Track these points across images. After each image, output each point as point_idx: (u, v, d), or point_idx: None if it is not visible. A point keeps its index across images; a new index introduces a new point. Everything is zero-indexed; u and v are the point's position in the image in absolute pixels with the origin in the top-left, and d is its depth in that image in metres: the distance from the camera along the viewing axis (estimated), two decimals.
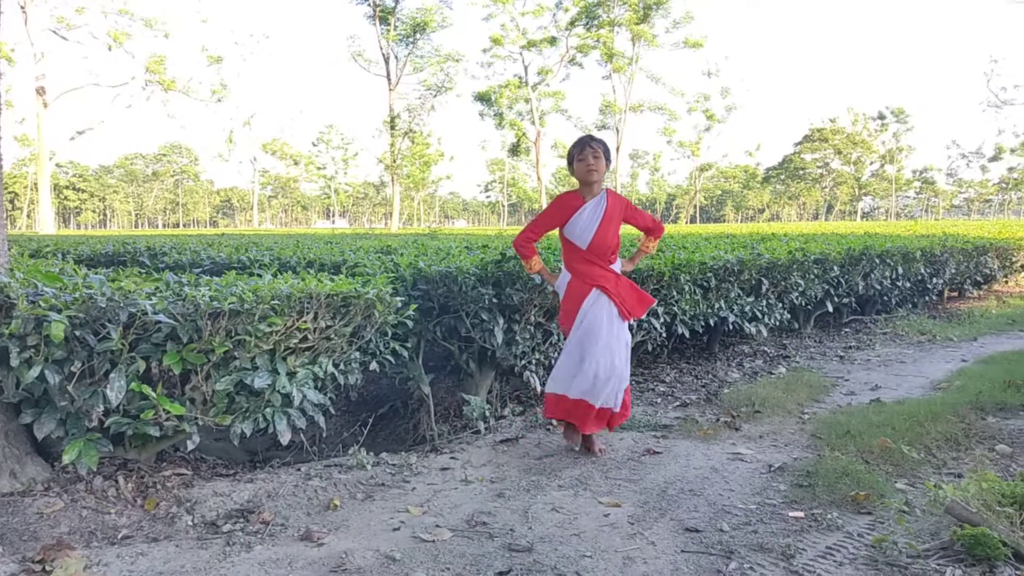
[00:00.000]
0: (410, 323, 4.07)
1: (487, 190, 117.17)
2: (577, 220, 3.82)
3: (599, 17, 49.47)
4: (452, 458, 3.88)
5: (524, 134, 52.19)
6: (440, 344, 4.54)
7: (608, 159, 3.85)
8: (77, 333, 2.73)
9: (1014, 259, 12.32)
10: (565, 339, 3.96)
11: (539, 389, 4.77)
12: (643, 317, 5.35)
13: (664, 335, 5.70)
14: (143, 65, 42.65)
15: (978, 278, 11.35)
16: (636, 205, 4.08)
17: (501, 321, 4.42)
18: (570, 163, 3.91)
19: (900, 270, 8.99)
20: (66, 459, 2.78)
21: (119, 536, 2.80)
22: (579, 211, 3.82)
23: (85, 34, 39.77)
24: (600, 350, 3.77)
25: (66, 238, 12.78)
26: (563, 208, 3.87)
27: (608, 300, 3.81)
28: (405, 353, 4.11)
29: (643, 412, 4.82)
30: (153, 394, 2.87)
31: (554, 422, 4.50)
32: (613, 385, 3.82)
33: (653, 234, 4.19)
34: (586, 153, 3.79)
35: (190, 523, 2.95)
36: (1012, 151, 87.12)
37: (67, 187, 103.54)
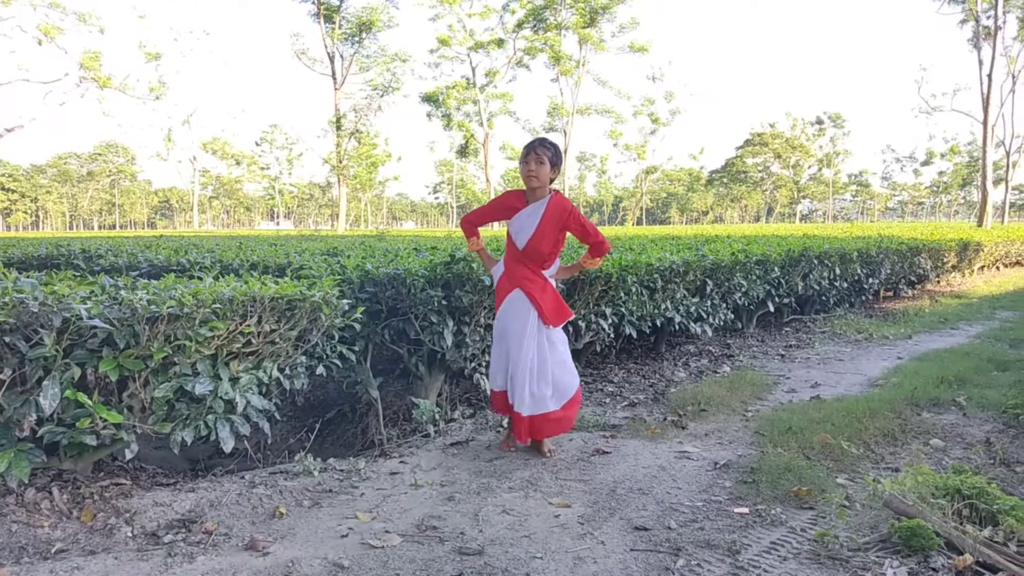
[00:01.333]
0: (357, 326, 4.02)
1: (435, 191, 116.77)
2: (516, 220, 3.86)
3: (546, 20, 49.74)
4: (401, 462, 3.85)
5: (472, 135, 52.13)
6: (389, 347, 4.50)
7: (556, 163, 3.83)
8: (7, 339, 2.62)
9: (945, 259, 12.81)
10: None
11: (489, 391, 4.77)
12: (592, 319, 5.41)
13: (612, 336, 5.75)
14: (77, 61, 41.20)
15: (912, 278, 11.77)
16: (584, 213, 4.03)
17: (450, 323, 4.40)
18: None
19: (838, 271, 9.27)
20: None
21: (53, 550, 2.69)
22: (519, 212, 3.86)
23: (12, 27, 38.22)
24: (515, 349, 3.85)
25: None
26: (505, 207, 3.93)
27: (529, 303, 3.85)
28: (353, 357, 4.06)
29: (592, 412, 4.85)
30: (89, 402, 2.77)
31: (504, 423, 4.51)
32: (532, 389, 3.87)
33: (594, 252, 4.03)
34: (529, 159, 3.77)
35: (129, 534, 2.86)
36: (942, 156, 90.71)
37: None
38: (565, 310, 3.99)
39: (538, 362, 3.88)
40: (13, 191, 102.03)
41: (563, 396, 3.95)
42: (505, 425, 4.32)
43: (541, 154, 3.77)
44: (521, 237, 3.83)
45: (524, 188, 3.92)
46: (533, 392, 3.87)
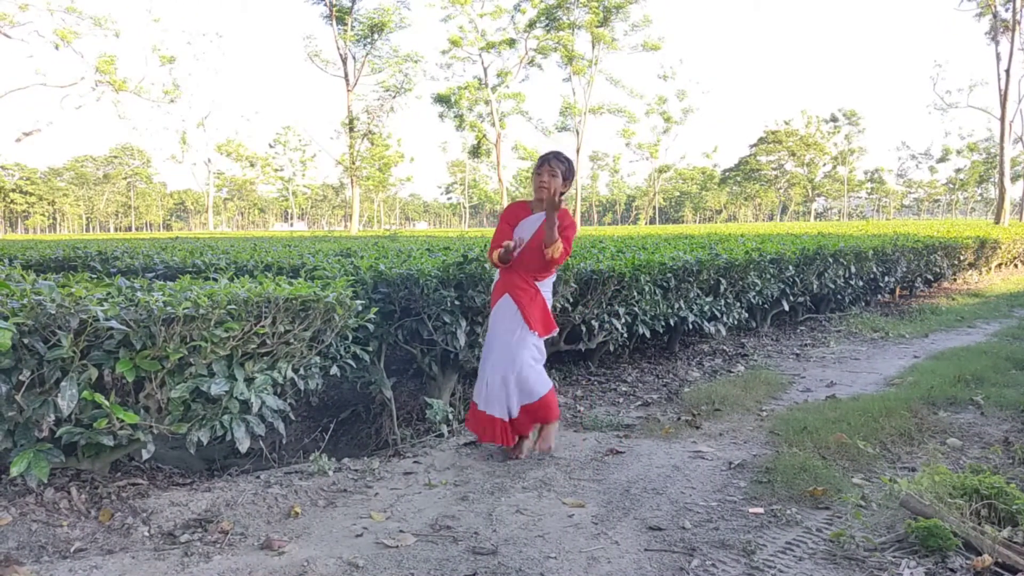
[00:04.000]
0: (371, 326, 4.03)
1: (448, 192, 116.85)
2: (519, 228, 3.87)
3: (558, 19, 49.63)
4: (415, 462, 3.86)
5: (484, 136, 52.08)
6: (402, 347, 4.51)
7: (569, 177, 3.85)
8: (26, 341, 2.65)
9: (962, 257, 12.69)
10: None
11: None
12: (605, 318, 5.40)
13: (625, 335, 5.74)
14: (93, 65, 41.51)
15: (928, 276, 11.66)
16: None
17: (463, 323, 4.41)
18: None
19: (853, 269, 9.20)
20: (14, 471, 2.69)
21: (72, 549, 2.72)
22: (523, 220, 3.88)
23: (30, 32, 38.44)
24: (496, 355, 3.81)
25: (13, 243, 12.41)
26: (511, 217, 3.93)
27: (516, 309, 3.82)
28: (366, 357, 4.07)
29: (606, 412, 4.84)
30: (106, 402, 2.79)
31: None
32: (511, 394, 3.79)
33: (553, 259, 3.80)
34: (543, 170, 3.82)
35: (146, 534, 2.88)
36: (958, 152, 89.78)
37: (13, 190, 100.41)
38: (551, 322, 3.97)
39: (519, 368, 3.80)
40: (31, 194, 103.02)
41: (528, 397, 3.83)
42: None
43: (555, 167, 3.81)
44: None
45: (530, 200, 3.98)
46: (512, 396, 3.81)
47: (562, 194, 3.78)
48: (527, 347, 3.87)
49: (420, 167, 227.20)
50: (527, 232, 3.84)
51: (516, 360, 3.82)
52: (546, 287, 3.97)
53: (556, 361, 6.05)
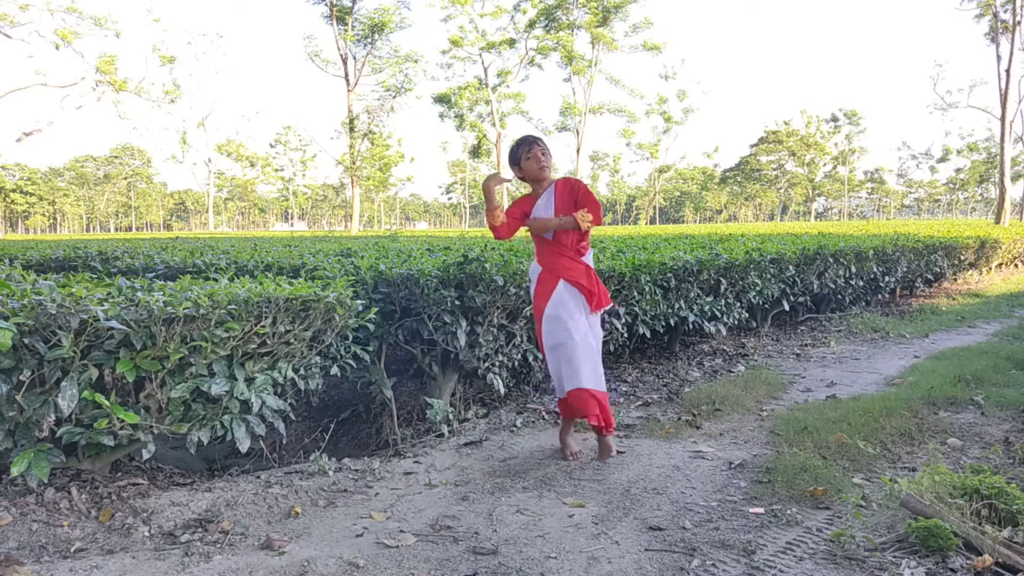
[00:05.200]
0: (371, 326, 4.03)
1: (448, 192, 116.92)
2: (536, 215, 3.85)
3: (558, 19, 49.69)
4: (415, 462, 3.86)
5: (485, 136, 52.15)
6: (402, 347, 4.51)
7: (550, 156, 3.94)
8: (26, 341, 2.65)
9: (962, 257, 12.67)
10: (538, 331, 3.94)
11: (502, 391, 4.77)
12: (605, 318, 5.40)
13: (626, 335, 5.74)
14: (93, 65, 41.54)
15: (929, 276, 11.65)
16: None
17: (464, 323, 4.41)
18: (516, 163, 3.92)
19: (853, 269, 9.20)
20: (15, 471, 2.69)
21: (72, 549, 2.72)
22: (535, 207, 3.87)
23: (30, 32, 38.47)
24: (577, 336, 3.79)
25: (13, 243, 12.41)
26: (518, 211, 3.90)
27: (576, 292, 3.81)
28: (367, 357, 4.07)
29: None
30: (106, 402, 2.79)
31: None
32: (591, 369, 3.83)
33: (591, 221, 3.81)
34: (535, 150, 3.83)
35: (147, 534, 2.88)
36: (958, 152, 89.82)
37: (14, 190, 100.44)
38: (607, 293, 3.98)
39: (593, 349, 3.87)
40: (31, 194, 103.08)
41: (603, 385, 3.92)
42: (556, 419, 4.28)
43: (543, 145, 3.88)
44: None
45: (526, 193, 3.98)
46: (595, 371, 3.84)
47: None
48: (597, 336, 3.95)
49: (420, 167, 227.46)
50: (546, 214, 3.83)
51: (594, 342, 3.90)
52: (589, 259, 3.94)
53: None
